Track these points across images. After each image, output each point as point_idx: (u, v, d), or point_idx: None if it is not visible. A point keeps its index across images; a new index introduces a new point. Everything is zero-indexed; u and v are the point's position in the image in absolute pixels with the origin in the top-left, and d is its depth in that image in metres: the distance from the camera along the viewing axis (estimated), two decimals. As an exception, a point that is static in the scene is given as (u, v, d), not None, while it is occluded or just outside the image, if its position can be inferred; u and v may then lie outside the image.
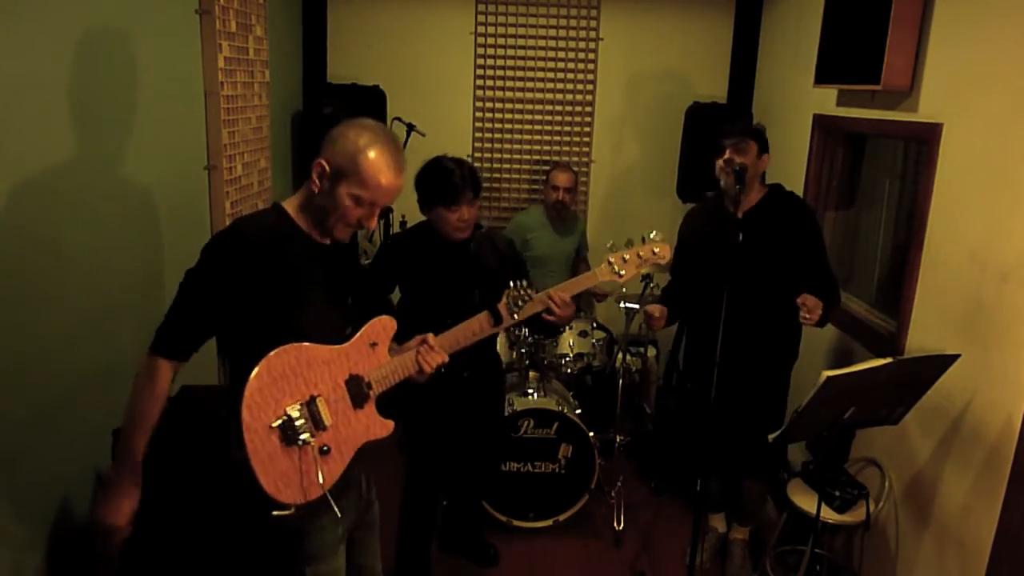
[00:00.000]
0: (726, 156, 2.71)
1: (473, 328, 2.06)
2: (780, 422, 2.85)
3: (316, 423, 1.73)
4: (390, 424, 1.87)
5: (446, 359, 1.95)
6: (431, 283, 2.67)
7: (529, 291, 2.17)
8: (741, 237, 2.54)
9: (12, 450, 1.93)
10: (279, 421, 1.67)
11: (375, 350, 1.86)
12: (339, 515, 1.79)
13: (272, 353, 1.66)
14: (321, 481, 1.72)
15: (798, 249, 2.77)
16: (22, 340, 1.95)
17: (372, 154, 1.68)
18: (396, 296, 2.84)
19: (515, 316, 2.15)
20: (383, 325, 1.88)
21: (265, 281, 1.68)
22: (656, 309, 2.91)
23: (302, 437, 1.69)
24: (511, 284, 2.18)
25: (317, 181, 1.71)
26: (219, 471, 1.78)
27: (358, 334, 1.84)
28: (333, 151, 1.69)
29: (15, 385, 1.93)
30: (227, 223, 2.69)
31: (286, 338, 1.69)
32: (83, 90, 2.19)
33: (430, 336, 1.95)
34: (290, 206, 1.78)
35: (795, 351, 2.94)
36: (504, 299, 2.15)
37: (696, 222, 3.03)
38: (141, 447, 1.70)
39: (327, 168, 1.69)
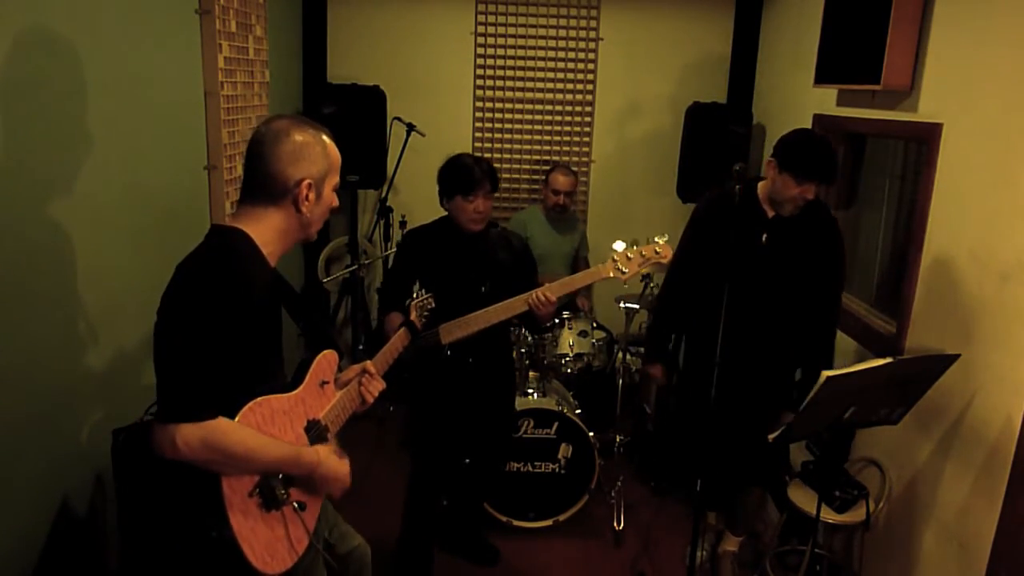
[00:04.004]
0: (809, 195, 2.55)
1: (396, 345, 2.18)
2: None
3: (287, 480, 1.64)
4: (347, 462, 1.78)
5: (383, 385, 1.96)
6: (445, 275, 2.71)
7: (429, 299, 2.32)
8: (766, 238, 2.52)
9: (12, 450, 1.93)
10: (256, 487, 1.57)
11: (325, 389, 1.79)
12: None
13: (239, 416, 1.53)
14: (309, 530, 1.67)
15: (819, 264, 2.70)
16: (22, 340, 1.94)
17: (325, 139, 1.66)
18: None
19: (423, 322, 2.29)
20: (328, 361, 1.80)
21: (256, 329, 1.57)
22: (659, 372, 3.06)
23: (280, 497, 1.59)
24: (413, 295, 2.32)
25: (308, 200, 1.62)
26: (193, 550, 1.61)
27: (308, 375, 1.74)
28: (307, 163, 1.61)
29: (15, 385, 1.93)
30: (226, 223, 2.67)
31: (249, 388, 1.57)
32: (82, 90, 2.19)
33: (368, 364, 1.95)
34: (255, 234, 1.61)
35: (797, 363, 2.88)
36: (412, 312, 2.27)
37: (719, 213, 2.75)
38: (281, 450, 1.60)
39: (314, 181, 1.62)
